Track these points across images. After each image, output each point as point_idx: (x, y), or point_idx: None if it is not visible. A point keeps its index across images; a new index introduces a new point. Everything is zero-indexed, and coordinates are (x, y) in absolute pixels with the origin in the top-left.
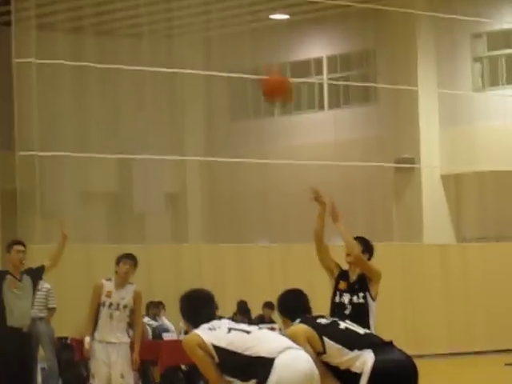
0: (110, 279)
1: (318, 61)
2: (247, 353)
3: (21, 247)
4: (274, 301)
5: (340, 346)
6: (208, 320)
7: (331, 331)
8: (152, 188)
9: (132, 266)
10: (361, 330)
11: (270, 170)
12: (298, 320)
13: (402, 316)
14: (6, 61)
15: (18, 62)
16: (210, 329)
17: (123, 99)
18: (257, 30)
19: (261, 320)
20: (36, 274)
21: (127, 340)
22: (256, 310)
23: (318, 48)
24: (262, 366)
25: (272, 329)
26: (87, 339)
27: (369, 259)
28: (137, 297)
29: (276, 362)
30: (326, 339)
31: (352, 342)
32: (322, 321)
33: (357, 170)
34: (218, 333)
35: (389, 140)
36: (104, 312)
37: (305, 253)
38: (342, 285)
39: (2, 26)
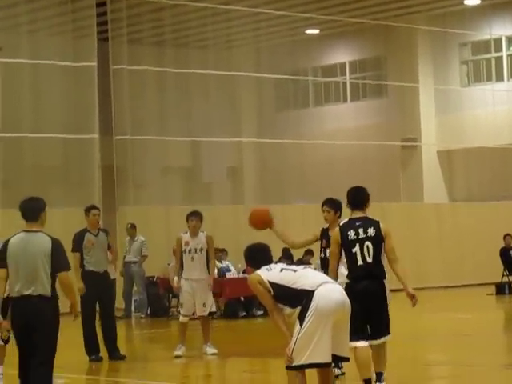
0: (186, 232)
1: (342, 65)
2: (294, 286)
3: (96, 211)
4: (312, 248)
5: (344, 257)
6: (266, 263)
7: (347, 246)
8: (216, 163)
9: (198, 221)
10: (360, 261)
11: (305, 149)
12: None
13: (407, 257)
14: (105, 68)
15: (114, 69)
16: (267, 269)
17: (194, 96)
18: (295, 41)
19: (300, 263)
20: (108, 236)
21: (207, 276)
22: (295, 255)
23: (341, 55)
24: (305, 295)
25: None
26: (176, 279)
27: (339, 216)
28: (209, 240)
29: (315, 292)
30: (343, 249)
31: (350, 260)
32: (351, 235)
33: (372, 147)
34: (273, 272)
35: (396, 124)
36: (186, 256)
37: None
38: (324, 243)
39: (101, 41)
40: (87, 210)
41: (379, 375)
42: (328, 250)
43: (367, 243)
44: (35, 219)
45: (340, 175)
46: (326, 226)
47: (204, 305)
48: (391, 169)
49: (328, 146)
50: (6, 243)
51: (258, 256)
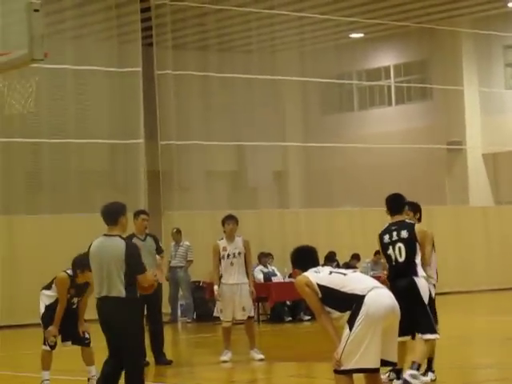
0: (222, 238)
1: (387, 68)
2: (343, 290)
3: (145, 216)
4: (355, 250)
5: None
6: (313, 266)
7: (383, 249)
8: (262, 167)
9: (235, 224)
10: (393, 262)
11: (350, 152)
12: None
13: (454, 260)
14: (149, 73)
15: (158, 74)
16: (315, 272)
17: (238, 100)
18: (340, 45)
19: (347, 267)
20: (158, 241)
21: (247, 281)
22: (341, 259)
23: (386, 58)
24: (356, 300)
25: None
26: (216, 287)
27: (419, 218)
28: (246, 244)
29: (366, 298)
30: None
31: (388, 261)
32: (386, 239)
33: (417, 151)
34: (322, 275)
35: (441, 127)
36: (225, 262)
37: (378, 214)
38: None
39: (146, 46)
40: (136, 214)
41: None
42: None
43: (399, 245)
44: (113, 223)
45: (386, 179)
46: None
47: (243, 309)
48: (437, 172)
49: (373, 150)
50: (89, 247)
51: (305, 258)
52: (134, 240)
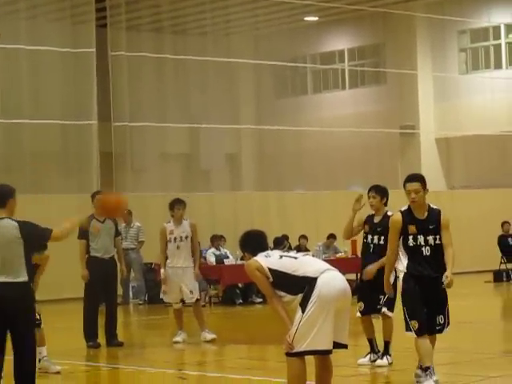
0: (169, 221)
1: (341, 52)
2: (295, 273)
3: None
4: (307, 233)
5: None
6: (262, 250)
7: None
8: (215, 150)
9: (184, 209)
10: None
11: (304, 136)
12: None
13: None
14: (103, 54)
15: (112, 55)
16: (265, 256)
17: (192, 82)
18: (294, 28)
19: (298, 249)
20: (117, 224)
21: (192, 264)
22: (293, 242)
23: (340, 42)
24: (308, 283)
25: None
26: (162, 270)
27: (386, 203)
28: (193, 227)
29: (318, 280)
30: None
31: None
32: None
33: (370, 135)
34: (272, 259)
35: (395, 112)
36: (172, 245)
37: (330, 198)
38: (366, 228)
39: (100, 27)
40: (93, 196)
41: None
42: (370, 237)
43: None
44: (2, 206)
45: (338, 162)
46: (372, 212)
47: (191, 292)
48: (389, 156)
49: (326, 133)
50: None
51: (254, 242)
52: (93, 222)
